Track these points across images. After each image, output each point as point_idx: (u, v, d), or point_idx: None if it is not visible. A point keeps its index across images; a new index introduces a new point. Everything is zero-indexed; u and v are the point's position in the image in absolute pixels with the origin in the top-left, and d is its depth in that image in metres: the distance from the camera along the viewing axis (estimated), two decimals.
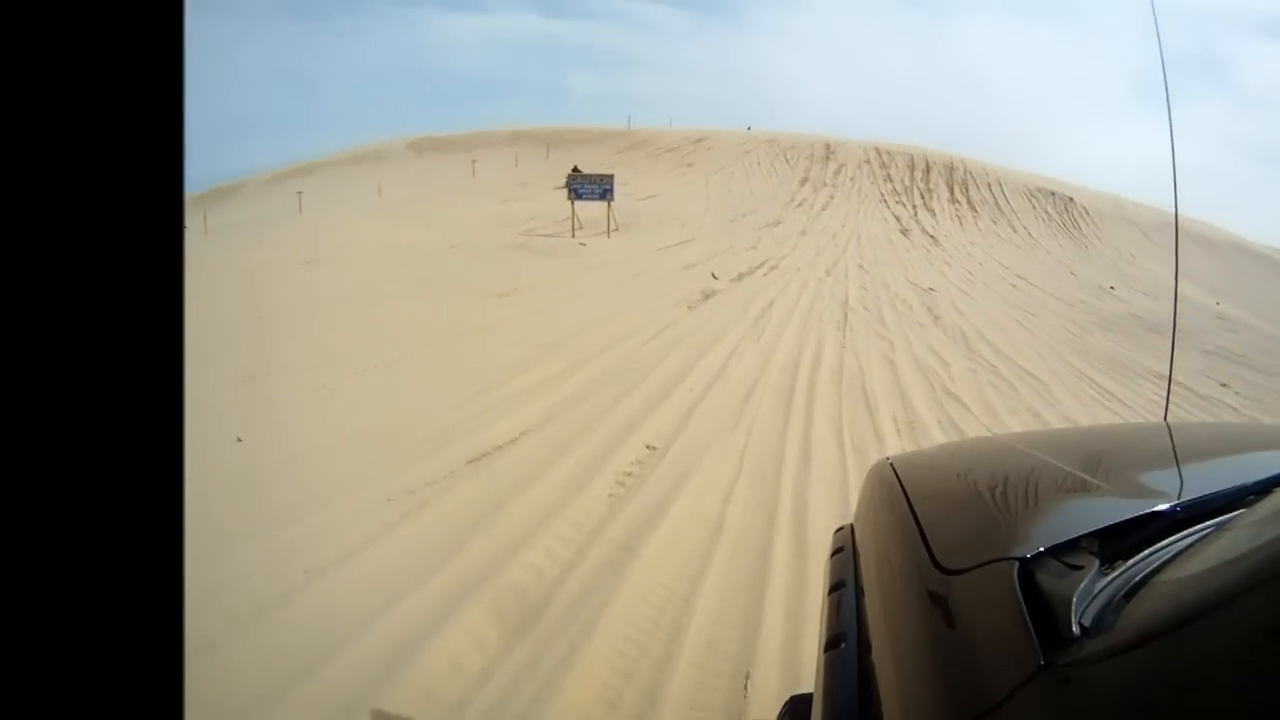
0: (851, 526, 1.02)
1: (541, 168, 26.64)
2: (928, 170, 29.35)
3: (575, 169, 27.51)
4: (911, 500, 0.85)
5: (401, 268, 10.26)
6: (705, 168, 26.47)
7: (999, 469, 1.01)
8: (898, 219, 21.89)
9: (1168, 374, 7.14)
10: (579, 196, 14.22)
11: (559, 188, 16.31)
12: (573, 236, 13.82)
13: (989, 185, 28.18)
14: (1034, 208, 26.18)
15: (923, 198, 26.11)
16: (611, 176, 14.26)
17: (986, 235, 21.66)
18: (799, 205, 21.64)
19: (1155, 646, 0.42)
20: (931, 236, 19.65)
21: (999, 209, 25.65)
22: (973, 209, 25.40)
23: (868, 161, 29.52)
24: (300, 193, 22.14)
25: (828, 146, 30.98)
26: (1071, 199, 27.12)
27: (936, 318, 9.03)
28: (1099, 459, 1.04)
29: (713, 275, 9.87)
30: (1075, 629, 0.49)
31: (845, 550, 0.95)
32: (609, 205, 14.21)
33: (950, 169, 29.61)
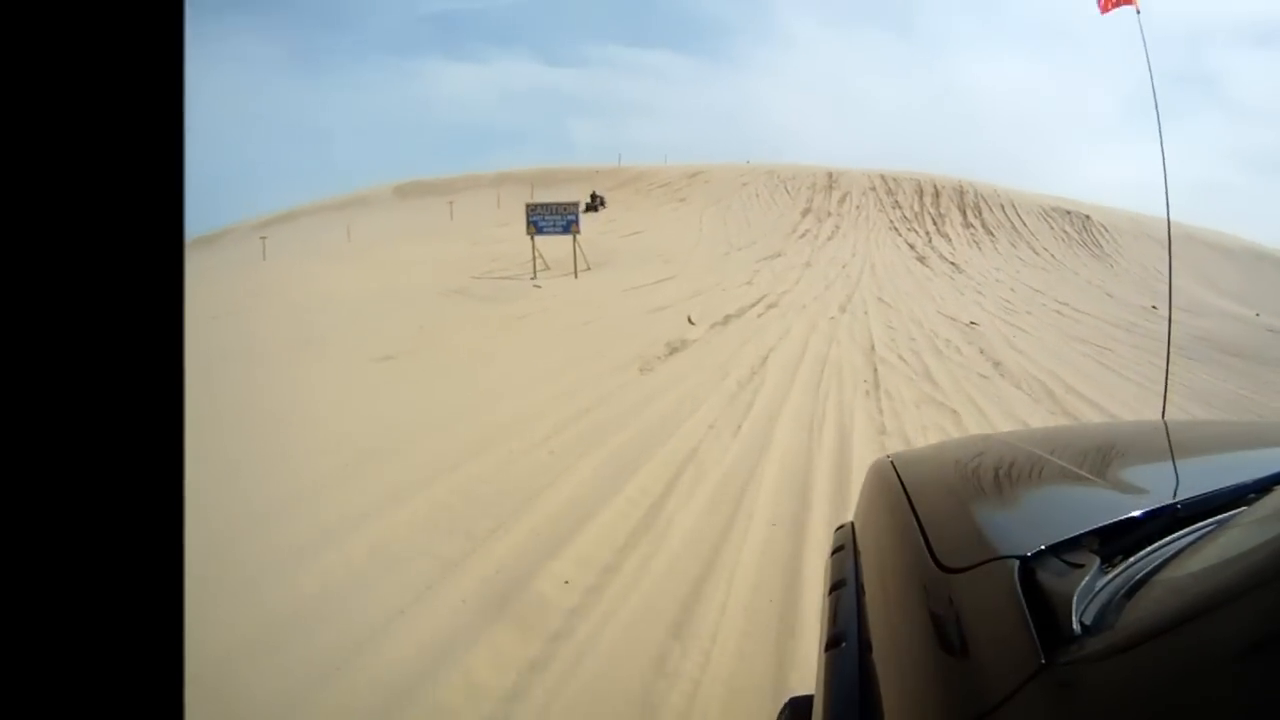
0: (852, 525, 0.99)
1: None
2: (937, 195, 27.55)
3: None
4: (912, 498, 0.84)
5: (303, 320, 8.09)
6: (699, 202, 24.50)
7: (999, 467, 1.00)
8: (912, 246, 19.68)
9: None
10: (539, 230, 11.98)
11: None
12: (533, 278, 11.56)
13: (1002, 207, 26.49)
14: (1051, 228, 24.15)
15: (935, 223, 24.15)
16: (576, 205, 11.94)
17: (1009, 259, 19.54)
18: (802, 236, 19.42)
19: (1156, 645, 0.42)
20: (952, 263, 17.41)
21: (1016, 231, 23.83)
22: (989, 232, 23.41)
23: (873, 189, 27.58)
24: (264, 238, 20.46)
25: (830, 176, 29.16)
26: (1088, 217, 25.00)
27: (997, 364, 6.51)
28: (1100, 457, 1.03)
29: (689, 320, 7.42)
30: (1076, 628, 0.48)
31: (845, 549, 0.93)
32: (574, 239, 11.93)
33: (960, 192, 27.86)
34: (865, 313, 9.09)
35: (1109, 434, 1.43)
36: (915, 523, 0.75)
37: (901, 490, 0.87)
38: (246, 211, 31.24)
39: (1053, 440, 1.21)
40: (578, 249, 12.15)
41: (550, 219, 11.83)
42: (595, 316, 7.63)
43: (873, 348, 6.68)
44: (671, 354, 5.87)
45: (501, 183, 31.10)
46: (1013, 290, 13.72)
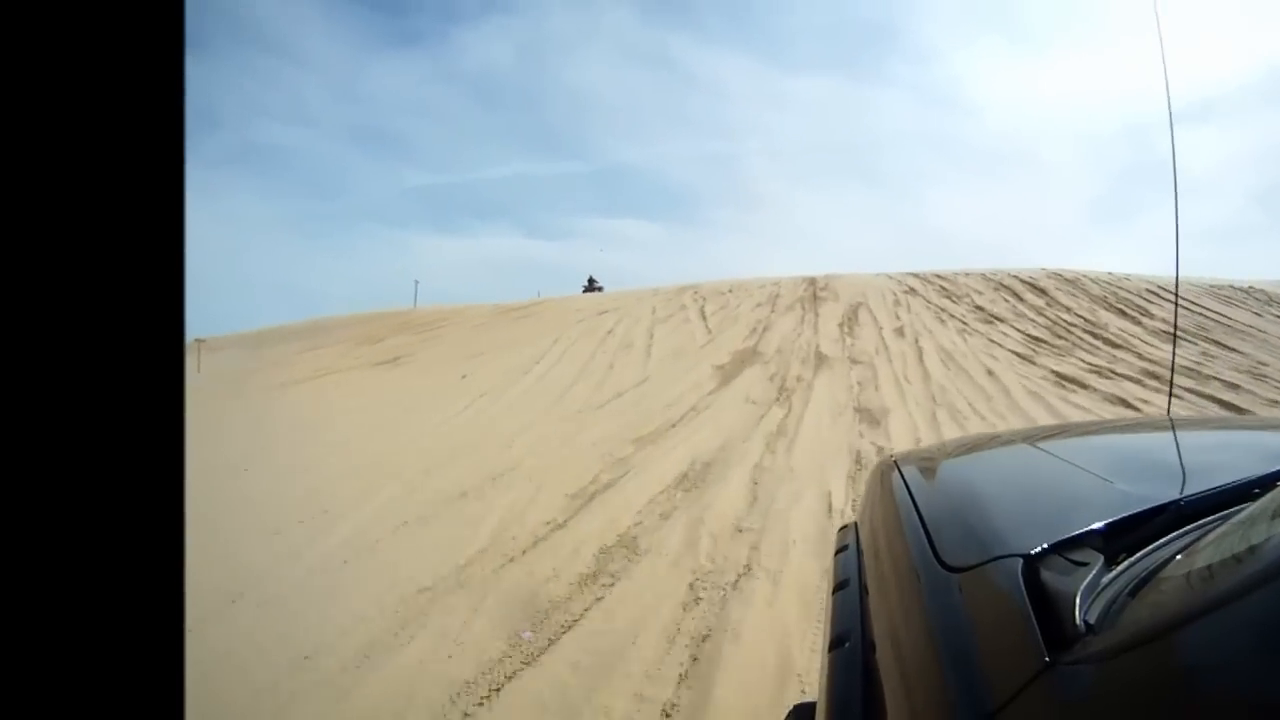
0: (855, 524, 0.98)
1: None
2: (1044, 292, 13.17)
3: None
4: (915, 497, 0.83)
5: None
6: (455, 356, 9.02)
7: (1003, 465, 1.00)
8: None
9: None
10: None
11: None
12: None
13: (1151, 294, 13.08)
14: (1260, 316, 11.57)
15: (1107, 343, 8.97)
16: None
17: None
18: (692, 486, 3.38)
19: (1161, 643, 0.41)
20: None
21: (1244, 335, 10.24)
22: (1221, 344, 9.28)
23: (909, 291, 12.59)
24: None
25: (813, 284, 14.49)
26: (1252, 287, 13.81)
27: None
28: (1104, 453, 1.02)
29: None
30: (1080, 626, 0.47)
31: (849, 548, 0.92)
32: None
33: (1070, 283, 13.88)
34: None
35: (1113, 430, 1.43)
36: (918, 522, 0.75)
37: (905, 489, 0.86)
38: None
39: (1056, 437, 1.20)
40: None
41: None
42: None
43: None
44: None
45: (260, 341, 16.03)
46: None
